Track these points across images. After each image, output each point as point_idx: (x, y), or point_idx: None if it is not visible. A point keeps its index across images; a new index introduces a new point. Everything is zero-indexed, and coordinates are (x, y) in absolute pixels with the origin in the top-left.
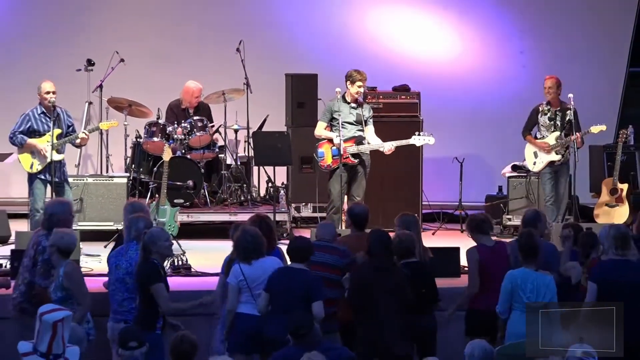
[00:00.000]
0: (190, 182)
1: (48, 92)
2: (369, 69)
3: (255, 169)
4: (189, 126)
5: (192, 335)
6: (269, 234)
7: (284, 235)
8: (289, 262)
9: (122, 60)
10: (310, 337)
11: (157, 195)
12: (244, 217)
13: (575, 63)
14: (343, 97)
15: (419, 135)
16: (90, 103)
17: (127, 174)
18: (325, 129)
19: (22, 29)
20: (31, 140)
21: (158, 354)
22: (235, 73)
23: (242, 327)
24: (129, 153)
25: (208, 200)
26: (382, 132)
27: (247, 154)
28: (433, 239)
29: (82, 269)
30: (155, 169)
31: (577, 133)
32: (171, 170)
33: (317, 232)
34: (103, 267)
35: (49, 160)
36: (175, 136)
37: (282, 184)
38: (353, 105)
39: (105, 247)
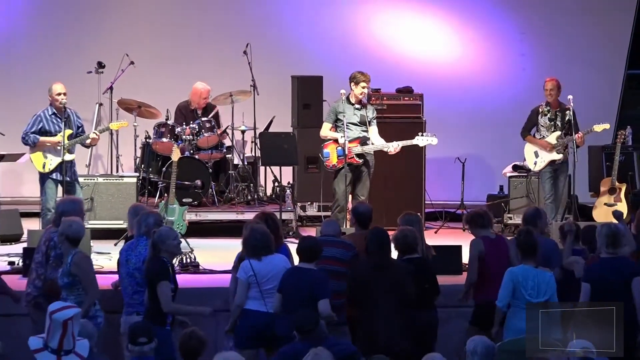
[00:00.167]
0: (198, 182)
1: (59, 94)
2: (373, 71)
3: (262, 168)
4: (197, 127)
5: (200, 332)
6: (276, 231)
7: (290, 233)
8: (295, 260)
9: (132, 62)
10: (316, 333)
11: (166, 195)
12: (250, 216)
13: (575, 65)
14: (347, 98)
15: (422, 135)
16: (100, 104)
17: (137, 174)
18: (330, 129)
19: (34, 32)
20: (44, 138)
21: (167, 349)
22: (243, 75)
23: (249, 323)
24: (139, 153)
25: (216, 199)
26: (386, 133)
27: (254, 154)
28: (435, 238)
29: (93, 267)
30: (164, 168)
31: (579, 132)
32: (180, 170)
33: (322, 229)
34: (113, 265)
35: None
36: (184, 137)
37: (288, 183)
38: (357, 106)
39: (115, 245)
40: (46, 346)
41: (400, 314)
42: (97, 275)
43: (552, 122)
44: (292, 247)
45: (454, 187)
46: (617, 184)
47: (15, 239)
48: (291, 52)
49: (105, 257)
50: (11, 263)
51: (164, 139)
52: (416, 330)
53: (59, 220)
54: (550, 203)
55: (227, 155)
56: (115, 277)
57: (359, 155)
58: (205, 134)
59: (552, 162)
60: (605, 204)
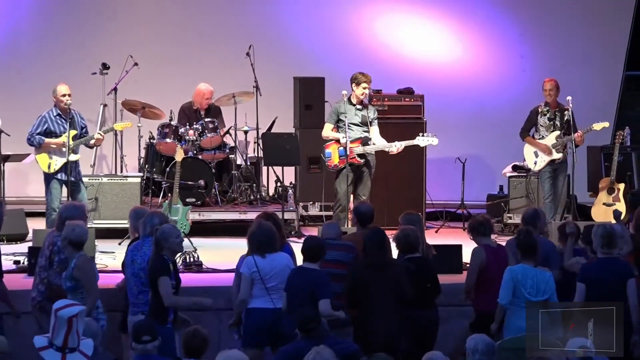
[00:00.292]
0: (201, 182)
1: (64, 95)
2: (374, 73)
3: (264, 169)
4: (200, 128)
5: (203, 330)
6: (278, 230)
7: (292, 233)
8: (299, 259)
9: (136, 64)
10: (318, 332)
11: (169, 195)
12: (253, 215)
13: (574, 67)
14: (349, 99)
15: (423, 136)
16: (105, 105)
17: (141, 174)
18: (331, 130)
19: (39, 34)
20: (49, 140)
21: (170, 347)
22: (245, 76)
23: (255, 321)
24: (143, 154)
25: (219, 199)
26: (387, 134)
27: (256, 155)
28: (436, 237)
29: (97, 266)
30: (167, 169)
31: (579, 131)
32: (183, 170)
33: (323, 232)
34: (117, 264)
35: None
36: (187, 137)
37: (291, 183)
38: (358, 107)
39: (119, 244)
40: (51, 344)
41: (398, 313)
42: (101, 275)
43: (552, 122)
44: (294, 247)
45: (454, 187)
46: (615, 184)
47: (20, 238)
48: (293, 53)
49: (110, 257)
50: (17, 262)
51: (168, 140)
52: (417, 329)
53: (62, 225)
54: (549, 202)
55: (230, 156)
56: (120, 277)
57: (361, 156)
58: (209, 135)
59: (551, 162)
60: (603, 203)
